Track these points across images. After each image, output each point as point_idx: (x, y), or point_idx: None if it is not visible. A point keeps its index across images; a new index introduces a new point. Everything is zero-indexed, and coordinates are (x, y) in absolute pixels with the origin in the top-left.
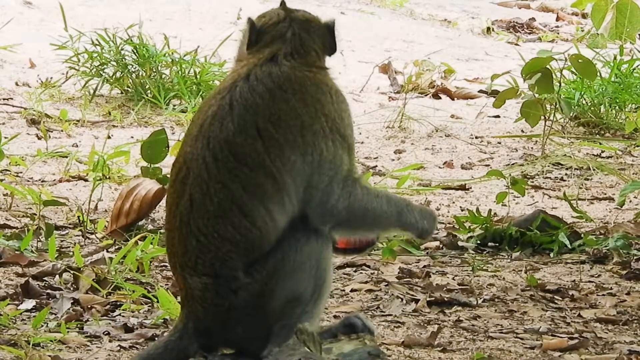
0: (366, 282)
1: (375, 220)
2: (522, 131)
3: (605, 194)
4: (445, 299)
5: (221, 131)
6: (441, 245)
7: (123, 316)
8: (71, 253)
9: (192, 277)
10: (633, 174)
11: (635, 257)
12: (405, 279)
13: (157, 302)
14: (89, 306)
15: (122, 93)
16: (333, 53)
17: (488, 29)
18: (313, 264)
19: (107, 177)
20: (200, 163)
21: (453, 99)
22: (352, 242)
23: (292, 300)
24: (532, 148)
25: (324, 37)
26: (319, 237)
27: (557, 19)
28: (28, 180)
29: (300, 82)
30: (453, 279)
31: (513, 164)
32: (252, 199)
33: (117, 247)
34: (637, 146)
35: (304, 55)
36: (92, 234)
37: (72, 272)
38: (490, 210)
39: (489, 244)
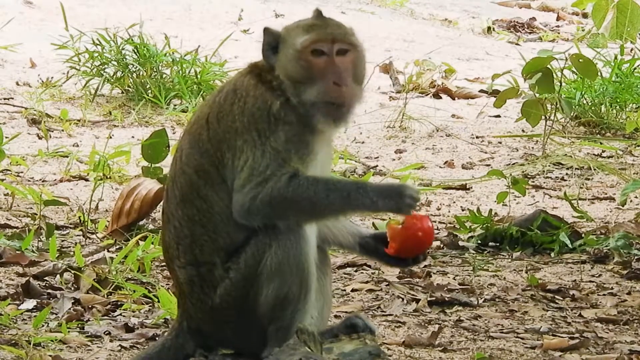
0: (367, 282)
1: (313, 207)
2: (523, 131)
3: (606, 194)
4: (446, 298)
5: (190, 123)
6: (442, 245)
7: (124, 316)
8: (72, 253)
9: (180, 268)
10: (634, 173)
11: (635, 257)
12: (406, 279)
13: (158, 302)
14: (90, 306)
15: (122, 93)
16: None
17: (489, 28)
18: (292, 262)
19: (108, 176)
20: (176, 153)
21: (454, 99)
22: (404, 251)
23: (280, 302)
24: (532, 148)
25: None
26: (292, 235)
27: (558, 18)
28: (29, 180)
29: (245, 91)
30: (454, 278)
31: (514, 164)
32: (205, 184)
33: (117, 247)
34: (638, 146)
35: (269, 72)
36: (92, 233)
37: (73, 271)
38: (491, 210)
39: (490, 243)
